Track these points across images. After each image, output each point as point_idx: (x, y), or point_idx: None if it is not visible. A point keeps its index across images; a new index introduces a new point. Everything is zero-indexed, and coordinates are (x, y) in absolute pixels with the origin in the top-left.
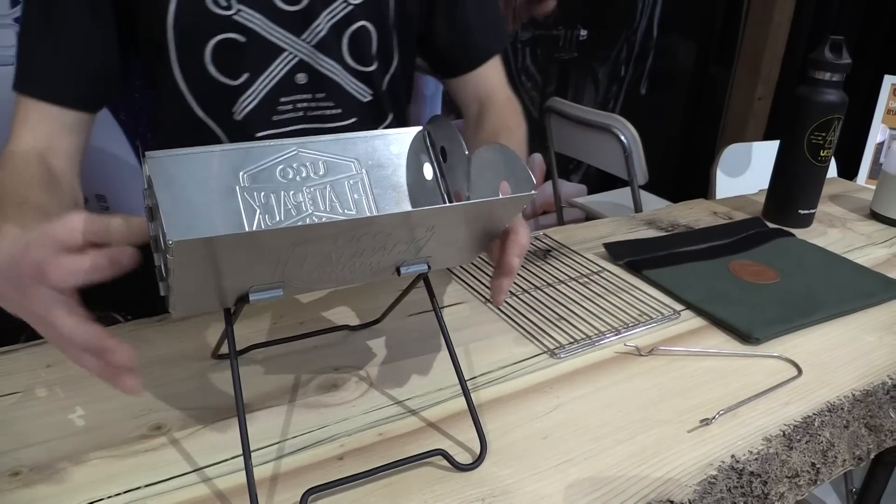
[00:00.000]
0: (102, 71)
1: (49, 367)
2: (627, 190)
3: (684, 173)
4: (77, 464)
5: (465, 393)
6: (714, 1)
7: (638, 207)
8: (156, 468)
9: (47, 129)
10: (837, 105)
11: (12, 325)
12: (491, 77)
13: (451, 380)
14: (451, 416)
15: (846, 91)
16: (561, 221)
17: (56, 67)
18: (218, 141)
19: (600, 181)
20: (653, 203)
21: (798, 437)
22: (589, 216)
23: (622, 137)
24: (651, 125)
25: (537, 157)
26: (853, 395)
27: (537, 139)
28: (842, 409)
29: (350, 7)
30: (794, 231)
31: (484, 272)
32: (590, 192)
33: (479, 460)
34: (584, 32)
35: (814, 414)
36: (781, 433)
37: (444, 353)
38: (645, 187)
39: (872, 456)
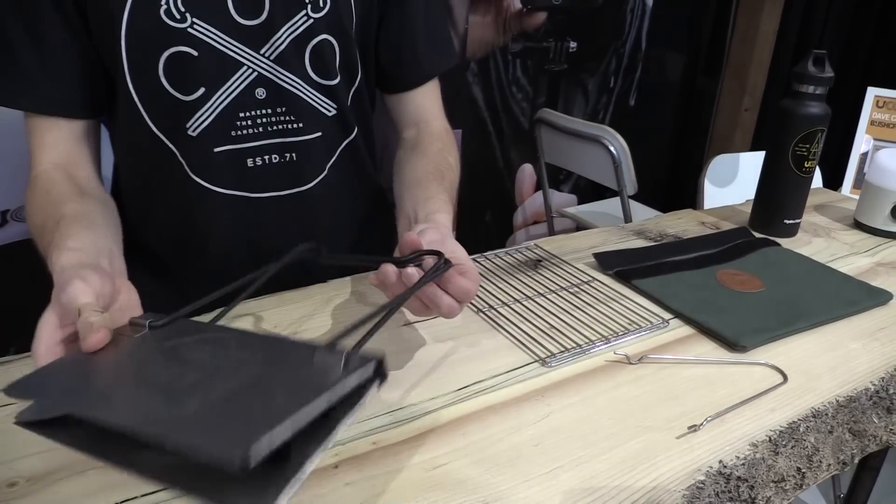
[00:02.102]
0: (92, 75)
1: None
2: (617, 200)
3: (673, 183)
4: (74, 474)
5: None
6: (701, 14)
7: (627, 217)
8: None
9: (62, 145)
10: (821, 117)
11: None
12: (429, 101)
13: (445, 389)
14: (444, 425)
15: (831, 102)
16: (551, 231)
17: (49, 80)
18: (174, 158)
19: (590, 191)
20: (642, 213)
21: (784, 443)
22: (579, 226)
23: (611, 148)
24: (640, 136)
25: (527, 167)
26: (837, 401)
27: (527, 150)
28: (826, 414)
29: (311, 20)
30: (779, 241)
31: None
32: (580, 203)
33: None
34: (573, 44)
35: (799, 420)
36: (768, 439)
37: (438, 362)
38: (634, 197)
39: (857, 461)
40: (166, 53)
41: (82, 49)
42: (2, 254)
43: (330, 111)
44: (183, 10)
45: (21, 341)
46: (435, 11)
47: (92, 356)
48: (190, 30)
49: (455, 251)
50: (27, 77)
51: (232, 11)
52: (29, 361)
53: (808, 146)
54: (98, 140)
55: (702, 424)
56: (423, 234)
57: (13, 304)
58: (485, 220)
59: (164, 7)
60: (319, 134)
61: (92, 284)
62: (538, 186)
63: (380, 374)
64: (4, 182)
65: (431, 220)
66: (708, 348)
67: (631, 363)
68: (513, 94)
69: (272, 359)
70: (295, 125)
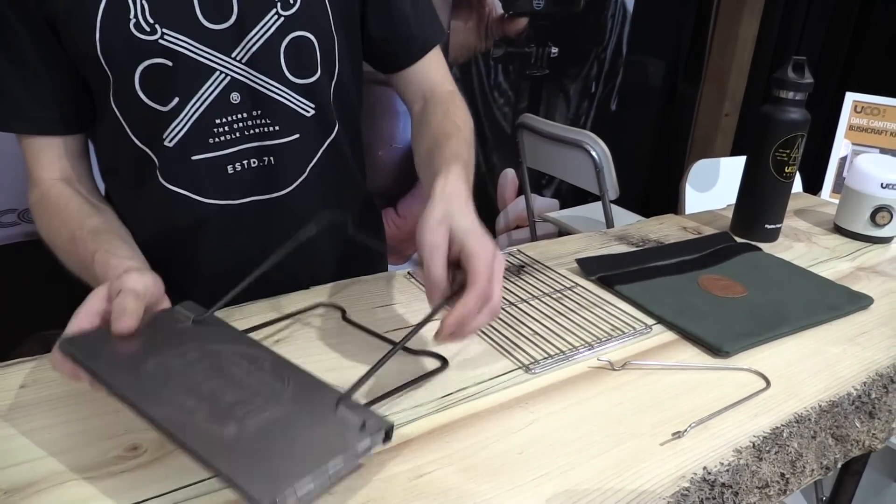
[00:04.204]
0: (77, 91)
1: (23, 388)
2: (599, 205)
3: (654, 188)
4: (54, 485)
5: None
6: (681, 20)
7: (609, 222)
8: (132, 489)
9: (58, 161)
10: (801, 123)
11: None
12: (433, 71)
13: (429, 397)
14: (428, 433)
15: (810, 107)
16: (534, 236)
17: (34, 100)
18: (154, 168)
19: (572, 196)
20: (624, 217)
21: (767, 448)
22: (561, 231)
23: (593, 153)
24: (621, 141)
25: (510, 172)
26: (819, 406)
27: (510, 154)
28: (809, 420)
29: (282, 19)
30: (761, 245)
31: None
32: (562, 207)
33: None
34: (555, 50)
35: (782, 425)
36: (751, 444)
37: (421, 369)
38: (616, 202)
39: (840, 465)
40: (142, 66)
41: (63, 67)
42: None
43: (308, 111)
44: (152, 21)
45: (24, 348)
46: None
47: (142, 337)
48: (161, 41)
49: (467, 243)
50: (13, 100)
51: (200, 17)
52: (11, 369)
53: (788, 151)
54: (88, 150)
55: (686, 431)
56: (422, 235)
57: (18, 306)
58: None
59: (134, 21)
60: (297, 136)
61: (145, 278)
62: (520, 191)
63: (387, 437)
64: (18, 184)
65: (435, 197)
66: (691, 354)
67: (614, 369)
68: (495, 100)
69: (300, 397)
70: (271, 128)
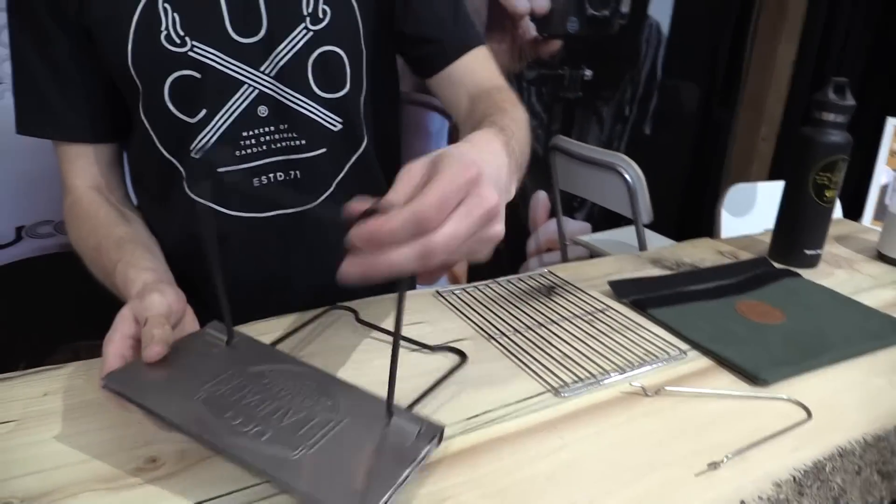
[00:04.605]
0: (112, 101)
1: (46, 396)
2: (632, 228)
3: (688, 213)
4: (69, 496)
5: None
6: (717, 43)
7: (642, 246)
8: (148, 503)
9: (92, 168)
10: (842, 146)
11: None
12: (477, 71)
13: (455, 418)
14: (453, 455)
15: (851, 131)
16: (565, 259)
17: (71, 109)
18: (181, 180)
19: (605, 219)
20: (657, 242)
21: (809, 483)
22: (593, 254)
23: (627, 176)
24: (655, 165)
25: (541, 194)
26: (864, 440)
27: (542, 177)
28: (853, 454)
29: (311, 33)
30: (800, 271)
31: (487, 308)
32: (594, 231)
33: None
34: (588, 72)
35: (824, 459)
36: (792, 478)
37: (447, 389)
38: (649, 226)
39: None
40: (171, 78)
41: (99, 76)
42: (14, 270)
43: (335, 126)
44: (182, 34)
45: (30, 357)
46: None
47: (180, 364)
48: (190, 53)
49: (438, 163)
50: (51, 108)
51: (230, 31)
52: (33, 377)
53: (829, 175)
54: (122, 161)
55: (722, 461)
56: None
57: (22, 320)
58: (498, 246)
59: (165, 33)
60: (324, 150)
61: (167, 298)
62: (552, 213)
63: (440, 440)
64: (19, 199)
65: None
66: (727, 381)
67: (647, 395)
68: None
69: (353, 411)
70: (298, 142)
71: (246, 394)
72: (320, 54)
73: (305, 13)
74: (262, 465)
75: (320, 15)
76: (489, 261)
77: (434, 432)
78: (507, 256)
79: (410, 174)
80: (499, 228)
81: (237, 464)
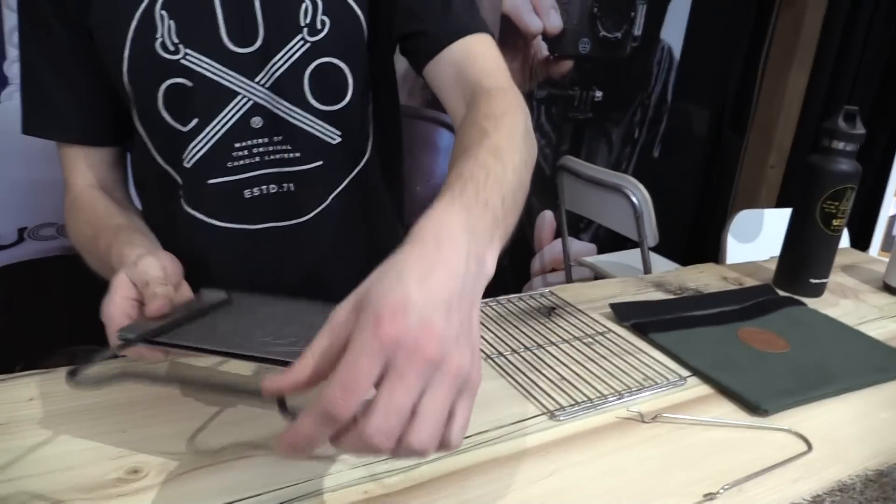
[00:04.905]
0: (116, 106)
1: (31, 401)
2: (637, 251)
3: (695, 238)
4: None
5: None
6: (728, 69)
7: (647, 269)
8: None
9: (94, 170)
10: (851, 175)
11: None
12: (477, 60)
13: None
14: (442, 476)
15: (860, 160)
16: (569, 279)
17: (75, 111)
18: (177, 189)
19: (610, 241)
20: (662, 265)
21: None
22: (597, 275)
23: (633, 198)
24: (663, 188)
25: (548, 213)
26: (866, 475)
27: (549, 196)
28: (854, 489)
29: (308, 45)
30: (805, 300)
31: (487, 328)
32: (599, 252)
33: None
34: (599, 94)
35: (824, 493)
36: None
37: None
38: (655, 250)
39: None
40: (164, 85)
41: (104, 81)
42: (15, 271)
43: (334, 139)
44: (176, 41)
45: (28, 359)
46: None
47: (188, 311)
48: (183, 61)
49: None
50: (55, 109)
51: (225, 40)
52: (20, 381)
53: (836, 203)
54: (126, 165)
55: (718, 493)
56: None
57: (21, 321)
58: (502, 264)
59: (159, 40)
60: (321, 163)
61: (163, 261)
62: (558, 234)
63: None
64: (23, 201)
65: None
66: (727, 410)
67: (645, 422)
68: (536, 141)
69: None
70: (292, 154)
71: (263, 320)
72: (318, 66)
73: (303, 24)
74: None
75: (318, 26)
76: (493, 278)
77: None
78: (511, 275)
79: (323, 336)
80: (473, 378)
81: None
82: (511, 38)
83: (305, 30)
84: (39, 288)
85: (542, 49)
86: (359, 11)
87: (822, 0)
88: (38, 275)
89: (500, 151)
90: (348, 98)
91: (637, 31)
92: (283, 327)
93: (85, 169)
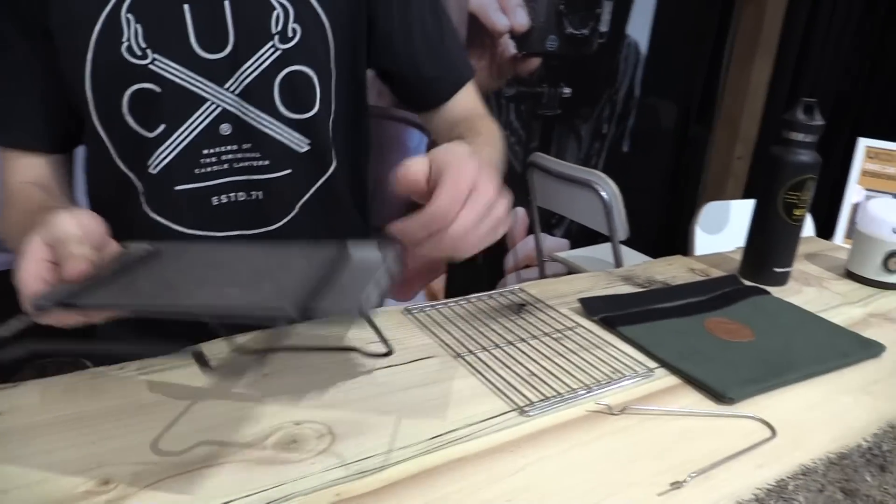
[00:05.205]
0: (63, 113)
1: None
2: (608, 245)
3: (665, 230)
4: None
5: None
6: (694, 63)
7: (619, 263)
8: None
9: (34, 171)
10: (811, 165)
11: None
12: (465, 102)
13: (417, 438)
14: (413, 476)
15: (825, 153)
16: (542, 275)
17: (16, 118)
18: (139, 196)
19: (582, 236)
20: (634, 258)
21: (771, 502)
22: (571, 270)
23: (603, 193)
24: (633, 182)
25: (520, 210)
26: (828, 458)
27: (520, 193)
28: (816, 472)
29: (279, 52)
30: (770, 289)
31: (457, 326)
32: (572, 247)
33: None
34: (567, 90)
35: (787, 477)
36: (754, 497)
37: (411, 408)
38: (626, 243)
39: None
40: (130, 90)
41: (54, 86)
42: None
43: (302, 147)
44: (144, 45)
45: (22, 375)
46: (443, 20)
47: (113, 269)
48: (151, 66)
49: (444, 168)
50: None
51: (195, 45)
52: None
53: (798, 194)
54: (72, 171)
55: (685, 481)
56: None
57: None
58: (476, 262)
59: (126, 44)
60: (289, 171)
61: (79, 218)
62: (530, 230)
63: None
64: None
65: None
66: (694, 399)
67: (613, 414)
68: (506, 138)
69: (305, 254)
70: (262, 162)
71: (194, 270)
72: (288, 73)
73: (274, 31)
74: (248, 310)
75: (290, 34)
76: (467, 276)
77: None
78: (486, 272)
79: (407, 170)
80: (500, 211)
81: (216, 318)
82: (478, 36)
83: (277, 37)
84: (6, 301)
85: (509, 47)
86: (326, 22)
87: None
88: (5, 287)
89: (494, 140)
90: (317, 107)
91: (603, 28)
92: (214, 275)
93: (25, 169)
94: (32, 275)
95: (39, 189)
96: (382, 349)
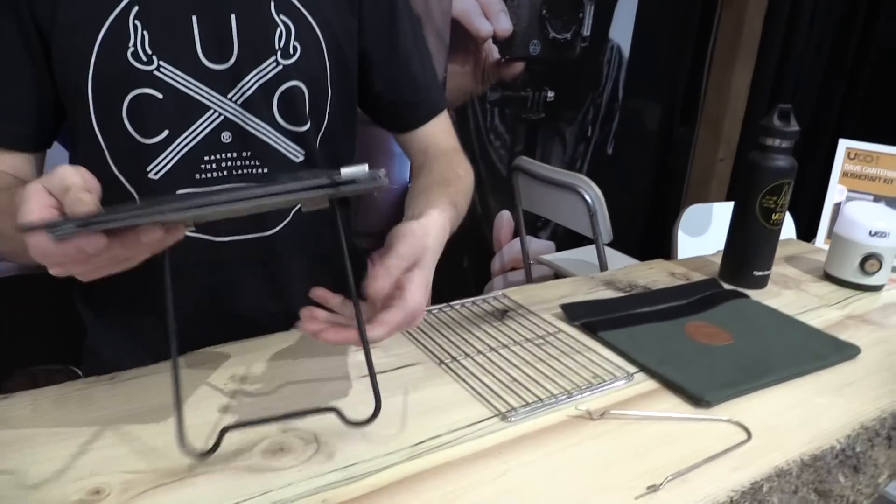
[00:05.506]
0: (43, 112)
1: None
2: (594, 247)
3: (650, 231)
4: None
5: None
6: (676, 66)
7: (603, 265)
8: None
9: (8, 165)
10: (787, 170)
11: None
12: (438, 132)
13: (401, 444)
14: (398, 482)
15: (807, 154)
16: (529, 278)
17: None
18: (129, 196)
19: (568, 238)
20: (619, 260)
21: (746, 503)
22: (557, 273)
23: (587, 197)
24: (618, 184)
25: (505, 213)
26: (802, 460)
27: (505, 197)
28: (790, 473)
29: (280, 67)
30: (749, 292)
31: (440, 333)
32: (558, 249)
33: (373, 416)
34: (551, 94)
35: (762, 479)
36: (729, 500)
37: (395, 415)
38: (613, 245)
39: None
40: (131, 94)
41: (38, 86)
42: None
43: (298, 157)
44: (150, 52)
45: (13, 382)
46: (424, 52)
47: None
48: (156, 72)
49: (411, 277)
50: None
51: (200, 55)
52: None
53: (775, 198)
54: (42, 169)
55: (662, 484)
56: (396, 245)
57: (8, 340)
58: (462, 265)
59: (132, 49)
60: None
61: (81, 172)
62: (516, 233)
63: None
64: None
65: (421, 216)
66: (673, 403)
67: (593, 419)
68: (491, 142)
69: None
70: (260, 170)
71: (184, 200)
72: (287, 88)
73: (277, 47)
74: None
75: (291, 51)
76: (454, 278)
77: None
78: (472, 275)
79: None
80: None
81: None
82: (462, 41)
83: (279, 53)
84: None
85: (493, 52)
86: (323, 44)
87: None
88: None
89: (465, 185)
90: (309, 122)
91: (586, 32)
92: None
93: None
94: (38, 215)
95: (10, 176)
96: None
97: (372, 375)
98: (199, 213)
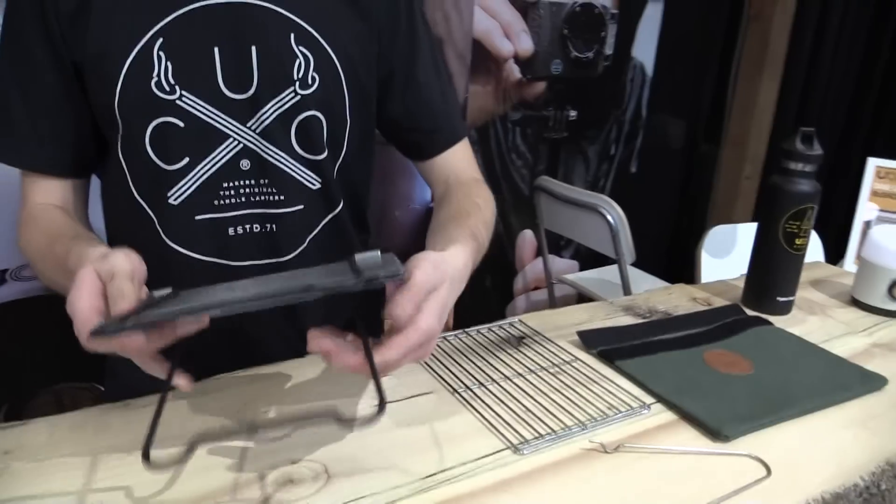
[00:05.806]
0: (83, 138)
1: (6, 454)
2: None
3: (675, 250)
4: None
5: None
6: (701, 83)
7: (626, 286)
8: None
9: (53, 194)
10: (810, 195)
11: None
12: (458, 160)
13: (410, 477)
14: None
15: (836, 172)
16: (551, 297)
17: (38, 140)
18: (152, 225)
19: (591, 257)
20: (643, 280)
21: None
22: (580, 293)
23: (609, 217)
24: (642, 203)
25: (528, 233)
26: (823, 498)
27: (528, 216)
28: None
29: (298, 97)
30: (773, 318)
31: (454, 360)
32: (581, 269)
33: (378, 413)
34: (573, 113)
35: None
36: None
37: (407, 446)
38: (637, 264)
39: None
40: (154, 123)
41: (76, 112)
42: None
43: (314, 185)
44: (173, 82)
45: (13, 401)
46: (444, 79)
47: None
48: (178, 101)
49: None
50: (18, 135)
51: (221, 85)
52: (9, 431)
53: (798, 223)
54: (87, 195)
55: None
56: (415, 273)
57: (6, 363)
58: (485, 285)
59: (155, 79)
60: (301, 207)
61: (131, 259)
62: (538, 252)
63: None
64: (4, 243)
65: (443, 251)
66: (690, 436)
67: (607, 452)
68: (512, 161)
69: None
70: (277, 197)
71: (232, 290)
72: (305, 117)
73: (296, 77)
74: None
75: (309, 81)
76: (477, 298)
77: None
78: (495, 295)
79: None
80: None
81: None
82: (483, 62)
83: (297, 83)
84: (23, 328)
85: (514, 72)
86: (342, 74)
87: (789, 13)
88: (21, 315)
89: (487, 217)
90: (327, 151)
91: (608, 51)
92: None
93: (43, 192)
94: (88, 305)
95: (61, 212)
96: (373, 405)
97: (374, 371)
98: (230, 309)
